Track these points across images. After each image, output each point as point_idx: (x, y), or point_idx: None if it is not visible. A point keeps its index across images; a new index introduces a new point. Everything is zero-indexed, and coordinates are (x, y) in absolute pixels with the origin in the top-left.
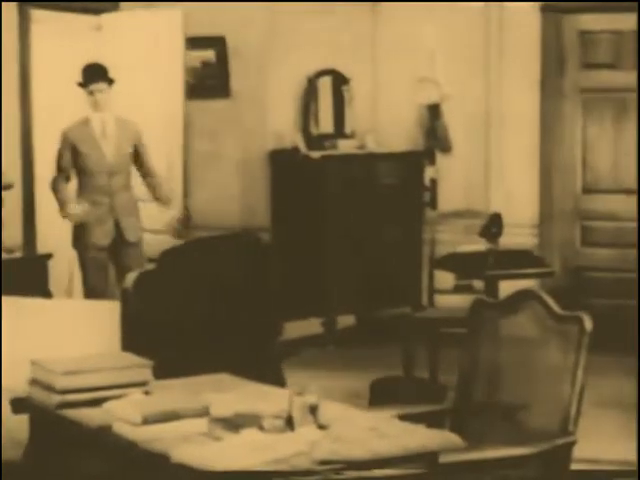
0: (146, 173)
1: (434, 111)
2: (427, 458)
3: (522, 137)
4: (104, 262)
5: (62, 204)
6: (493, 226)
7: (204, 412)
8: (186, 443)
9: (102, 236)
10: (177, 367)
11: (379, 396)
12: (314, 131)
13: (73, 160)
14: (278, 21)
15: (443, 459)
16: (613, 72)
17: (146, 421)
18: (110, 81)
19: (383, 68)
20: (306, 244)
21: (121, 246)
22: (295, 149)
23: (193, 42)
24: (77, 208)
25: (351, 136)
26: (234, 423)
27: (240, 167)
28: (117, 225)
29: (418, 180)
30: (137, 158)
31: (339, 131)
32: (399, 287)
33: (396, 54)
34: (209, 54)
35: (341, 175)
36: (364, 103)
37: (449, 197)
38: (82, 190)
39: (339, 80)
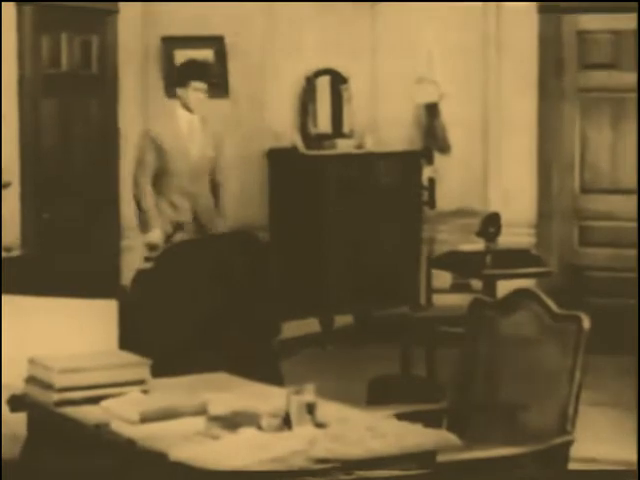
0: (215, 181)
1: (432, 111)
2: (424, 457)
3: (520, 137)
4: None
5: (145, 224)
6: (491, 225)
7: (202, 411)
8: (184, 442)
9: (185, 236)
10: (175, 366)
11: (377, 395)
12: (312, 130)
13: (156, 159)
14: (277, 20)
15: (440, 458)
16: (611, 72)
17: (144, 419)
18: (211, 82)
19: (381, 68)
20: (304, 243)
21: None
22: (293, 148)
23: (191, 41)
24: (157, 236)
25: (349, 136)
26: (232, 422)
27: (238, 166)
28: (198, 231)
29: (416, 179)
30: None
31: (337, 131)
32: (397, 286)
33: (394, 54)
34: (208, 53)
35: (339, 174)
36: (362, 102)
37: (447, 196)
38: (161, 191)
39: (337, 80)
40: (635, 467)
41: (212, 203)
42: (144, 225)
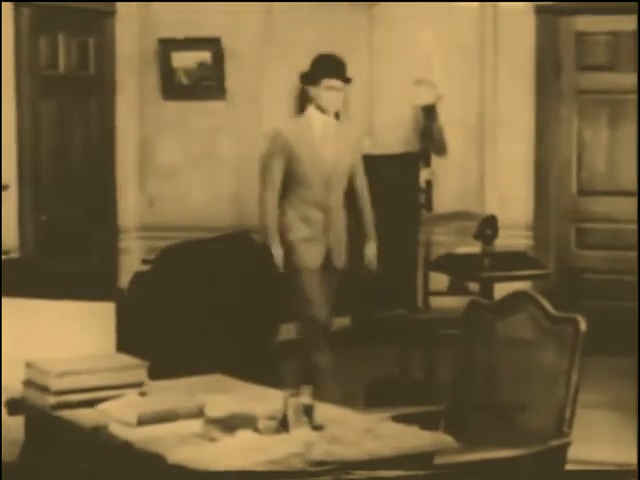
0: (358, 195)
1: (429, 113)
2: (422, 459)
3: (517, 139)
4: (317, 282)
5: (271, 239)
6: (488, 228)
7: (199, 413)
8: (181, 444)
9: (312, 259)
10: (172, 368)
11: (375, 397)
12: None
13: (286, 165)
14: (274, 22)
15: (438, 460)
16: (609, 74)
17: (141, 422)
18: (347, 79)
19: (379, 69)
20: None
21: (325, 271)
22: None
23: (188, 43)
24: (276, 253)
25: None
26: (229, 424)
27: (235, 168)
28: (328, 247)
29: (413, 182)
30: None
31: None
32: (394, 289)
33: (392, 55)
34: (205, 55)
35: None
36: (360, 104)
37: (444, 199)
38: (291, 202)
39: None
40: (633, 468)
41: (344, 219)
42: (266, 239)
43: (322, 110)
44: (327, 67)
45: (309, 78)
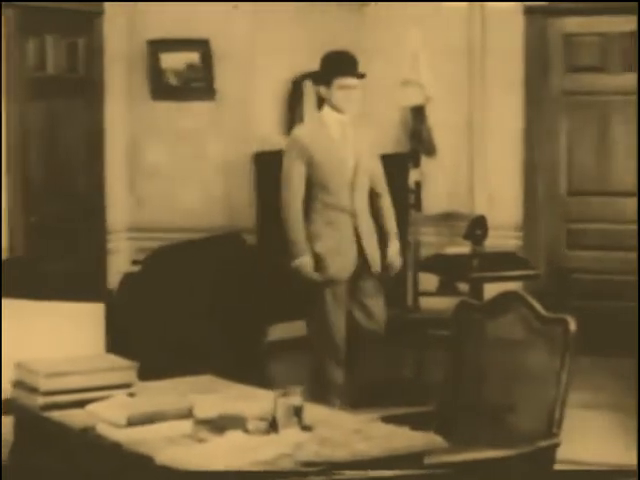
0: (378, 195)
1: (418, 113)
2: (412, 460)
3: (506, 140)
4: (343, 297)
5: (296, 247)
6: (478, 228)
7: (188, 414)
8: (170, 445)
9: (341, 269)
10: (162, 369)
11: (365, 398)
12: None
13: (307, 171)
14: (263, 23)
15: (428, 461)
16: (597, 75)
17: (130, 423)
18: (360, 75)
19: (367, 70)
20: None
21: (363, 279)
22: (280, 151)
23: (177, 44)
24: (306, 263)
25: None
26: (218, 425)
27: (225, 169)
28: (360, 254)
29: (403, 182)
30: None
31: None
32: (384, 289)
33: (380, 57)
34: (193, 56)
35: None
36: None
37: (433, 199)
38: (316, 209)
39: None
40: (623, 468)
41: (372, 221)
42: (292, 251)
43: (338, 110)
44: (338, 65)
45: (320, 78)
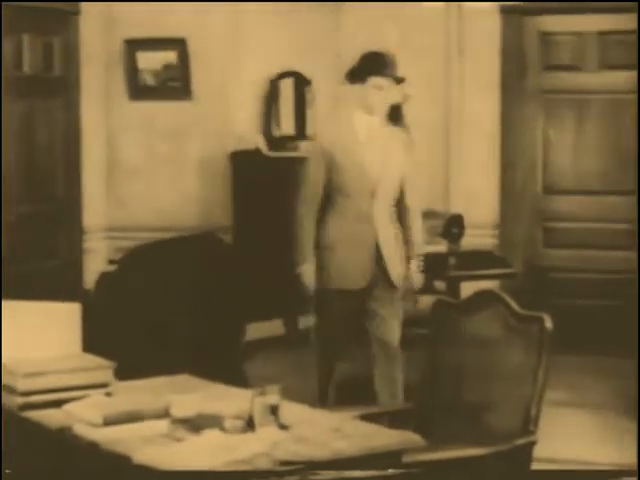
0: (407, 204)
1: (396, 112)
2: (390, 458)
3: (483, 138)
4: (353, 309)
5: (299, 254)
6: (454, 227)
7: (165, 413)
8: (147, 444)
9: (356, 277)
10: (139, 368)
11: (343, 396)
12: (276, 132)
13: (327, 174)
14: (240, 22)
15: (406, 459)
16: (574, 74)
17: (107, 422)
18: (399, 79)
19: (345, 69)
20: (268, 245)
21: (380, 290)
22: (257, 150)
23: (154, 44)
24: (308, 272)
25: (313, 137)
26: (195, 424)
27: (202, 168)
28: (379, 263)
29: None
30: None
31: (301, 133)
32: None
33: (357, 55)
34: (170, 56)
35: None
36: (326, 104)
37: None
38: (333, 214)
39: (301, 81)
40: (600, 466)
41: (396, 232)
42: (296, 257)
43: (368, 111)
44: (376, 64)
45: (355, 75)
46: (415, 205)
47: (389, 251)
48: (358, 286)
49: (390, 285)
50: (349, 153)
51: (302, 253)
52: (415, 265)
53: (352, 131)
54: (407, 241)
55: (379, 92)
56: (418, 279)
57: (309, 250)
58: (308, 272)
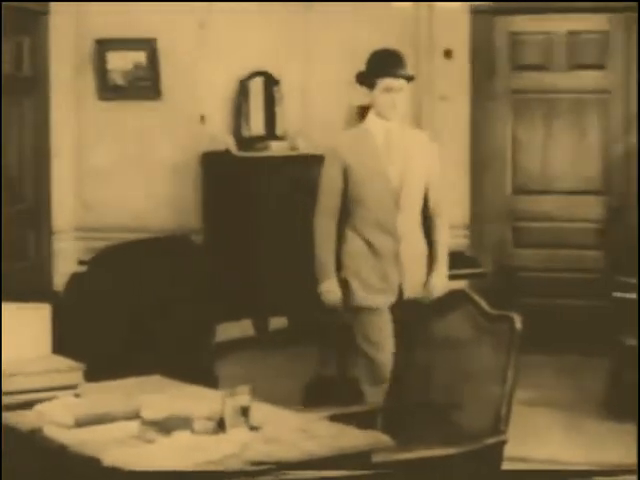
0: (432, 213)
1: (365, 113)
2: (358, 458)
3: (452, 138)
4: (386, 325)
5: (320, 269)
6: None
7: (136, 414)
8: (118, 446)
9: (379, 296)
10: (109, 369)
11: (313, 397)
12: (245, 133)
13: (344, 184)
14: (209, 22)
15: (375, 459)
16: (543, 74)
17: (78, 424)
18: (410, 77)
19: (314, 69)
20: (239, 246)
21: (402, 308)
22: (227, 151)
23: (124, 43)
24: (332, 288)
25: (282, 138)
26: (166, 425)
27: (171, 169)
28: (401, 280)
29: None
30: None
31: (271, 133)
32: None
33: (328, 56)
34: (140, 56)
35: (273, 176)
36: (296, 104)
37: None
38: (353, 226)
39: (270, 82)
40: (570, 466)
41: (421, 245)
42: (318, 272)
43: (382, 116)
44: (381, 65)
45: (364, 79)
46: (442, 214)
47: (412, 269)
48: (383, 304)
49: (412, 304)
50: (365, 160)
51: (323, 269)
52: (439, 276)
53: (369, 137)
54: (432, 250)
55: (389, 94)
56: (435, 290)
57: (330, 265)
58: (332, 289)
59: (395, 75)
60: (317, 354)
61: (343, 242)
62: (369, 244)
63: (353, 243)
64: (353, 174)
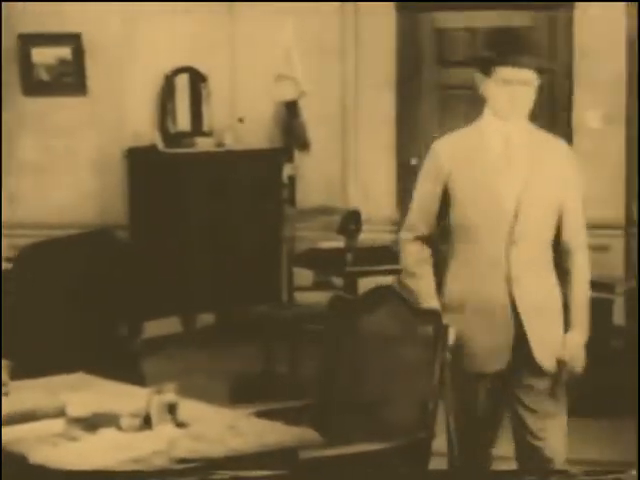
0: (566, 249)
1: (292, 108)
2: (286, 455)
3: (379, 134)
4: (497, 394)
5: (421, 296)
6: (351, 223)
7: (61, 412)
8: (44, 444)
9: (494, 356)
10: (34, 367)
11: (240, 393)
12: (172, 129)
13: (444, 202)
14: (135, 18)
15: (302, 456)
16: (469, 69)
17: (4, 422)
18: (539, 69)
19: (241, 65)
20: (165, 242)
21: (528, 376)
22: (153, 147)
23: (48, 39)
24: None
25: (209, 134)
26: (92, 423)
27: (97, 165)
28: (518, 338)
29: (277, 177)
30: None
31: (197, 129)
32: (259, 284)
33: (253, 51)
34: (65, 51)
35: (199, 173)
36: (222, 100)
37: (307, 194)
38: (456, 258)
39: (197, 78)
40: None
41: (551, 290)
42: (415, 295)
43: (500, 115)
44: (502, 49)
45: (480, 66)
46: (581, 248)
47: (533, 320)
48: (494, 367)
49: (538, 369)
50: (473, 174)
51: (422, 290)
52: (577, 336)
53: (482, 145)
54: (567, 300)
55: (507, 88)
56: (580, 359)
57: (430, 297)
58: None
59: (515, 64)
60: (245, 351)
61: (443, 284)
62: (475, 289)
63: (453, 287)
64: (454, 190)
